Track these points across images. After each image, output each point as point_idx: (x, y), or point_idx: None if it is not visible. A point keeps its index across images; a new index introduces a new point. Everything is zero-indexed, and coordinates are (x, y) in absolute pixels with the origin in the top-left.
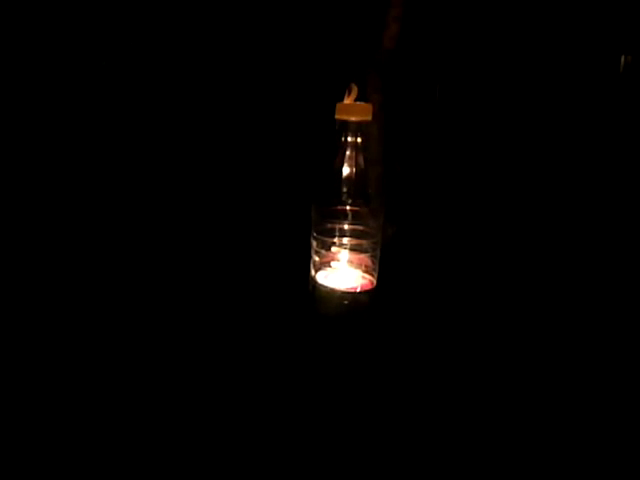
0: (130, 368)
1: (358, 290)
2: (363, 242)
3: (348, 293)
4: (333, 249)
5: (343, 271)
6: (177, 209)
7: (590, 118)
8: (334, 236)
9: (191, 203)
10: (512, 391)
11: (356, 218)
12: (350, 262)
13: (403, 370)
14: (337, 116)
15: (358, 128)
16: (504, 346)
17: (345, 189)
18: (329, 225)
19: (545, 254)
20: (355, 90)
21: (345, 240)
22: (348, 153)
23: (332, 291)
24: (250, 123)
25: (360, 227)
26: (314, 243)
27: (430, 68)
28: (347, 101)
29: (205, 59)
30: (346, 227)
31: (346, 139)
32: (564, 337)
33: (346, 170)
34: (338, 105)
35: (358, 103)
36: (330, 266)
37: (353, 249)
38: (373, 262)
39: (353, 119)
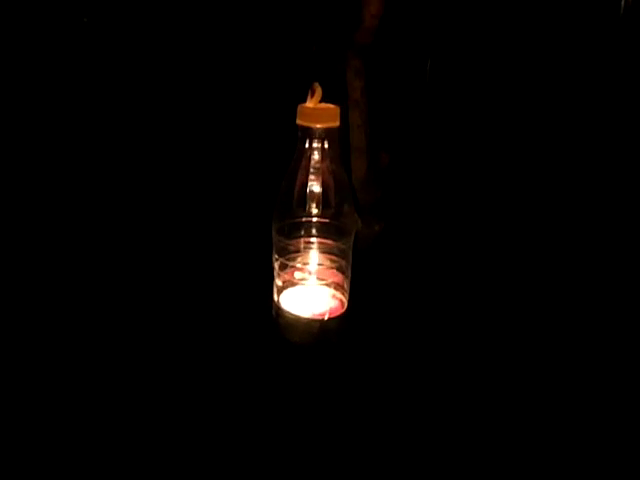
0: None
1: (326, 317)
2: (331, 259)
3: (315, 320)
4: (297, 272)
5: (309, 293)
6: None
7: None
8: (297, 255)
9: (137, 218)
10: (498, 402)
11: (323, 233)
12: (317, 282)
13: (377, 391)
14: (299, 121)
15: (323, 134)
16: (491, 361)
17: (309, 203)
18: (292, 244)
19: (537, 249)
20: (319, 91)
21: (310, 259)
22: (312, 162)
23: (297, 318)
24: (199, 126)
25: (328, 242)
26: (276, 265)
27: (418, 47)
28: (310, 104)
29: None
30: (311, 245)
31: (309, 146)
32: (554, 349)
33: (310, 182)
34: (299, 108)
35: (323, 105)
36: (294, 287)
37: (321, 266)
38: (343, 280)
39: (318, 126)
